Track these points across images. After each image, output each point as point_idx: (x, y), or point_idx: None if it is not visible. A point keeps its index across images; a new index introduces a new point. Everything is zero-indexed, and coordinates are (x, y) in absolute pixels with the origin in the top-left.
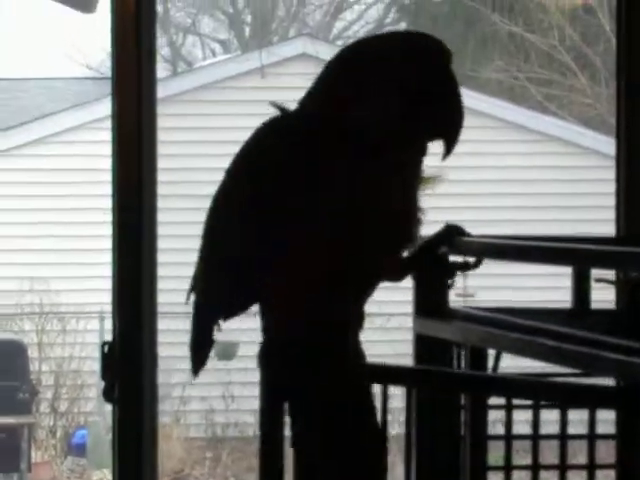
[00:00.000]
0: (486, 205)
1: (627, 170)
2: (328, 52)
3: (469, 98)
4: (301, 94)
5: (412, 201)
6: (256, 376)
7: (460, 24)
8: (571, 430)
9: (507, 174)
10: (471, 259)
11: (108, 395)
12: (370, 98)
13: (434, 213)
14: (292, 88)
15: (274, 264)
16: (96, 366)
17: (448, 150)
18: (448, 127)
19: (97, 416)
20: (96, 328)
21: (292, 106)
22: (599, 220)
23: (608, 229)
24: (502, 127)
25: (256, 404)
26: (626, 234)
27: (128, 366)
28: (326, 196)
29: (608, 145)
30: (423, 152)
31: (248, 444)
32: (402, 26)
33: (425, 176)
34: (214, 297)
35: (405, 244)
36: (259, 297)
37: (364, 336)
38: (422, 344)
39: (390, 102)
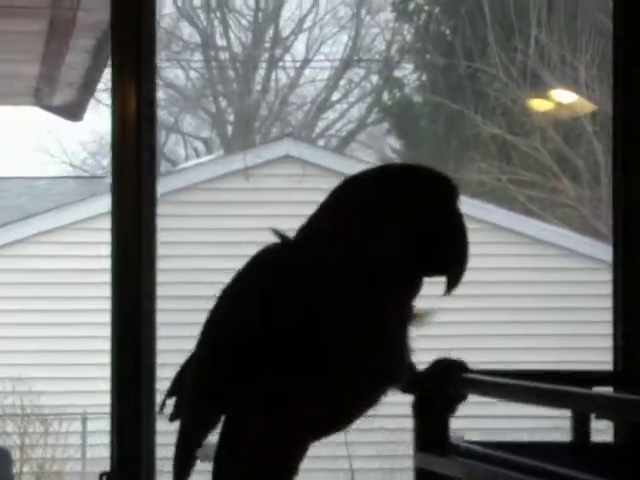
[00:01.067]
0: (467, 307)
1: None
2: (312, 154)
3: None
4: (284, 196)
5: (402, 336)
6: None
7: (442, 125)
8: None
9: (490, 276)
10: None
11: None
12: (372, 231)
13: None
14: (276, 189)
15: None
16: (78, 467)
17: (450, 287)
18: (452, 264)
19: None
20: (78, 430)
21: (290, 233)
22: (585, 322)
23: (590, 330)
24: (486, 229)
25: None
26: (624, 369)
27: None
28: (315, 331)
29: (591, 247)
30: (419, 287)
31: None
32: (384, 127)
33: (419, 311)
34: (200, 420)
35: (391, 380)
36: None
37: None
38: (423, 478)
39: (393, 237)
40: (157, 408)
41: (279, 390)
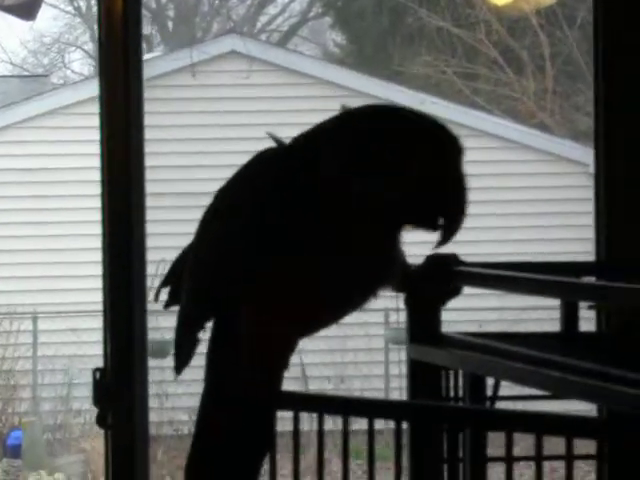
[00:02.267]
0: None
1: (605, 178)
2: (257, 49)
3: (397, 92)
4: (231, 92)
5: (395, 236)
6: (190, 374)
7: (387, 19)
8: None
9: None
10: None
11: (102, 421)
12: (377, 169)
13: None
14: (223, 86)
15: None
16: (29, 365)
17: (443, 241)
18: (450, 211)
19: (32, 416)
20: (29, 329)
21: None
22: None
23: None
24: None
25: (190, 402)
26: (606, 258)
27: (121, 392)
28: (309, 231)
29: (536, 138)
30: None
31: (183, 442)
32: (326, 20)
33: None
34: (203, 299)
35: (384, 279)
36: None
37: None
38: (417, 369)
39: (394, 178)
40: (151, 297)
41: (274, 285)
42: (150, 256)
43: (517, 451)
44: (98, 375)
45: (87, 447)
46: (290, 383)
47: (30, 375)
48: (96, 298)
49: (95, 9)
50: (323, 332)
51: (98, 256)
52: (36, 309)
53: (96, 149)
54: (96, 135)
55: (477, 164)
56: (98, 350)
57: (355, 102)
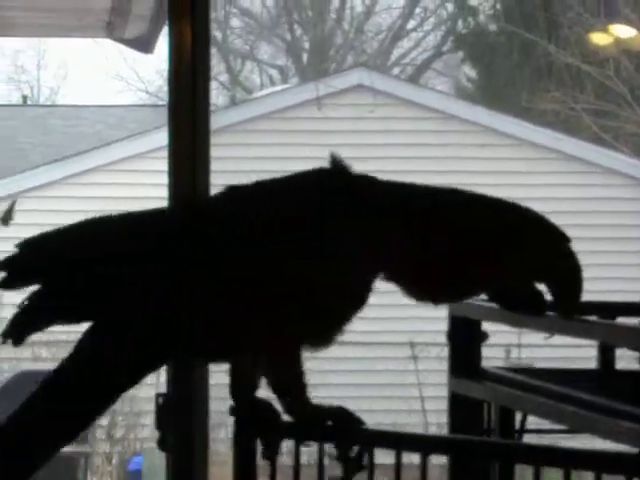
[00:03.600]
0: None
1: None
2: (384, 83)
3: (525, 129)
4: (356, 125)
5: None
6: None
7: (516, 55)
8: None
9: (561, 206)
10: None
11: (163, 444)
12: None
13: None
14: (347, 119)
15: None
16: (152, 393)
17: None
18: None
19: (153, 442)
20: None
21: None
22: None
23: None
24: (559, 159)
25: None
26: None
27: (182, 417)
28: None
29: None
30: None
31: None
32: (459, 55)
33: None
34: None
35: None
36: None
37: None
38: (456, 402)
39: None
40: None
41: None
42: None
43: None
44: (160, 400)
45: (214, 472)
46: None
47: (153, 402)
48: None
49: (230, 39)
50: None
51: None
52: None
53: (220, 179)
54: (223, 165)
55: (602, 201)
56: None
57: (480, 138)
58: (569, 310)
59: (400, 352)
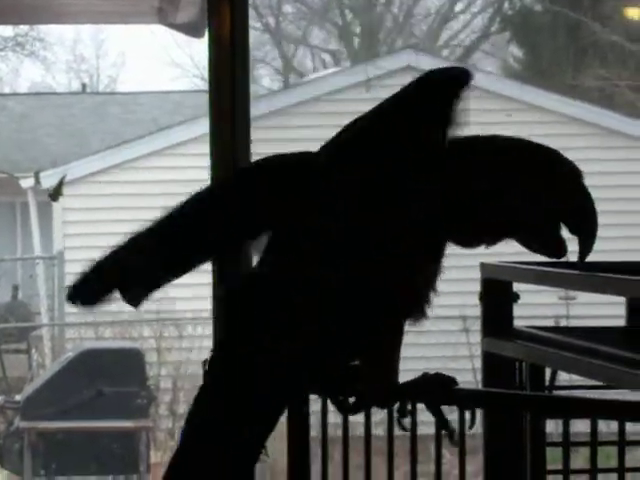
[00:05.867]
0: None
1: None
2: (432, 65)
3: (571, 107)
4: None
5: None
6: None
7: (562, 34)
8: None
9: (606, 180)
10: None
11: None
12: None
13: None
14: None
15: None
16: None
17: (586, 251)
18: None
19: None
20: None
21: None
22: None
23: None
24: (603, 134)
25: None
26: None
27: None
28: None
29: None
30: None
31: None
32: (506, 36)
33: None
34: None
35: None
36: None
37: None
38: (489, 360)
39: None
40: None
41: None
42: None
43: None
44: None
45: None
46: None
47: None
48: None
49: (283, 25)
50: None
51: None
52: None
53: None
54: (274, 148)
55: None
56: None
57: (527, 115)
58: (588, 249)
59: (452, 325)
